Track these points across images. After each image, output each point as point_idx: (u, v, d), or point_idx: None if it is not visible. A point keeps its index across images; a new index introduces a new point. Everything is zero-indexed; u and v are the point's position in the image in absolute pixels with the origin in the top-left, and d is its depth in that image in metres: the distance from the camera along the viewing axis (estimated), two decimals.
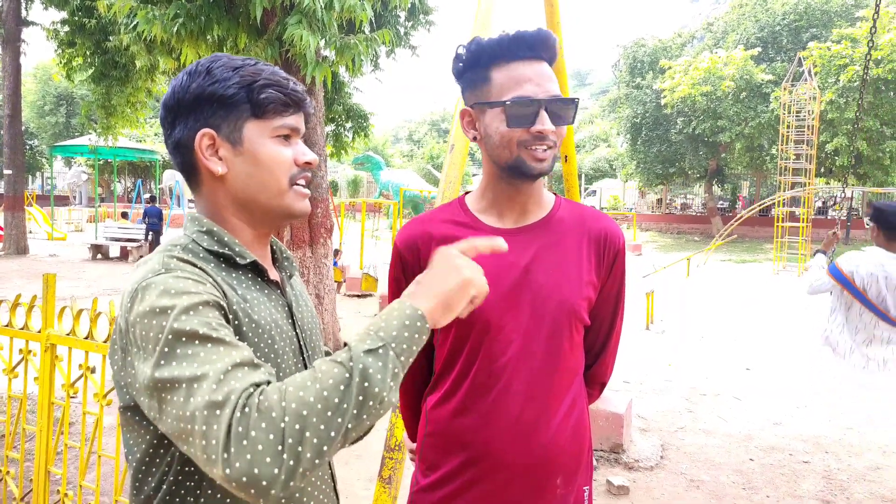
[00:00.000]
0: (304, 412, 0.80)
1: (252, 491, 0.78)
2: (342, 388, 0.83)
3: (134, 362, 0.93)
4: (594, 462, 4.27)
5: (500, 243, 1.08)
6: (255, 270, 1.13)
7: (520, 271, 1.37)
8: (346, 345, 0.91)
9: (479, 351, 1.36)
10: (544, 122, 1.28)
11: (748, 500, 3.92)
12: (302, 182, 1.14)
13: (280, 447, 0.78)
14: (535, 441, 1.35)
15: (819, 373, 6.97)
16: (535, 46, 1.30)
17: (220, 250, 1.08)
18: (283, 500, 1.07)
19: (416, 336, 0.92)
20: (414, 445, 1.59)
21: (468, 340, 1.37)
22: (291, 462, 0.78)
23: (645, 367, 7.16)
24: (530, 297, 1.36)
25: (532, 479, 1.36)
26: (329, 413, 0.81)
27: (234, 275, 1.08)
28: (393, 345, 0.89)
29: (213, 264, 1.06)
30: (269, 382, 0.86)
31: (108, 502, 3.06)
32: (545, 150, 1.31)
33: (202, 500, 1.02)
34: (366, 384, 0.84)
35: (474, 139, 1.40)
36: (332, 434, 0.81)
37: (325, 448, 0.81)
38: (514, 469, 1.35)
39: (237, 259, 1.09)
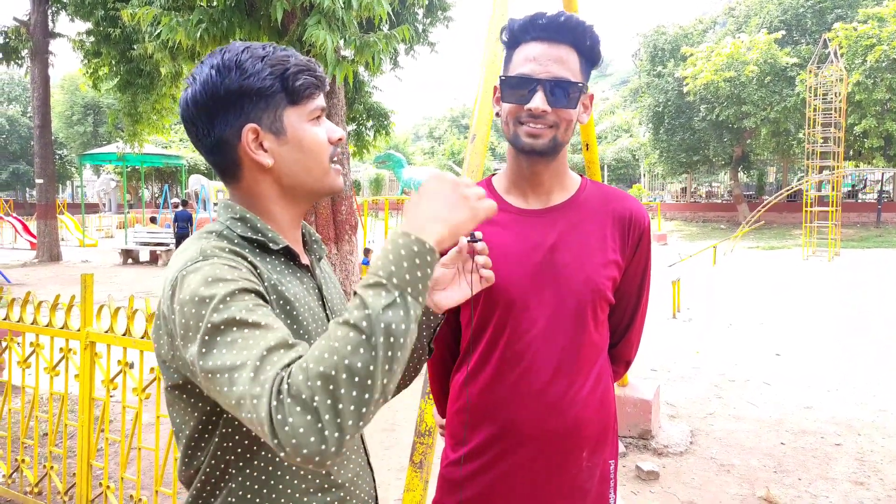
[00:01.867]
0: (331, 386, 0.81)
1: (310, 465, 0.83)
2: (362, 350, 0.83)
3: (181, 346, 0.98)
4: (623, 448, 4.29)
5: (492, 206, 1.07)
6: (288, 255, 1.16)
7: (545, 251, 1.41)
8: (356, 293, 0.90)
9: (505, 328, 1.40)
10: (537, 101, 1.32)
11: (779, 482, 3.90)
12: (335, 159, 1.19)
13: (319, 424, 0.81)
14: (562, 414, 1.39)
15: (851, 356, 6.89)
16: (549, 28, 1.34)
17: (254, 236, 1.12)
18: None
19: (428, 271, 0.92)
20: (444, 421, 1.64)
21: (493, 318, 1.41)
22: (336, 434, 0.82)
23: (672, 355, 7.13)
24: (555, 276, 1.40)
25: (559, 451, 1.40)
26: (357, 378, 0.82)
27: (267, 259, 1.12)
28: (409, 289, 0.89)
29: (247, 250, 1.10)
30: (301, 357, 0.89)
31: (148, 494, 3.16)
32: (542, 127, 1.35)
33: (248, 470, 1.07)
34: (391, 339, 0.85)
35: (497, 114, 1.46)
36: (367, 395, 0.83)
37: (365, 409, 0.84)
38: (541, 441, 1.39)
39: (270, 245, 1.12)
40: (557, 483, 1.41)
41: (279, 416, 0.81)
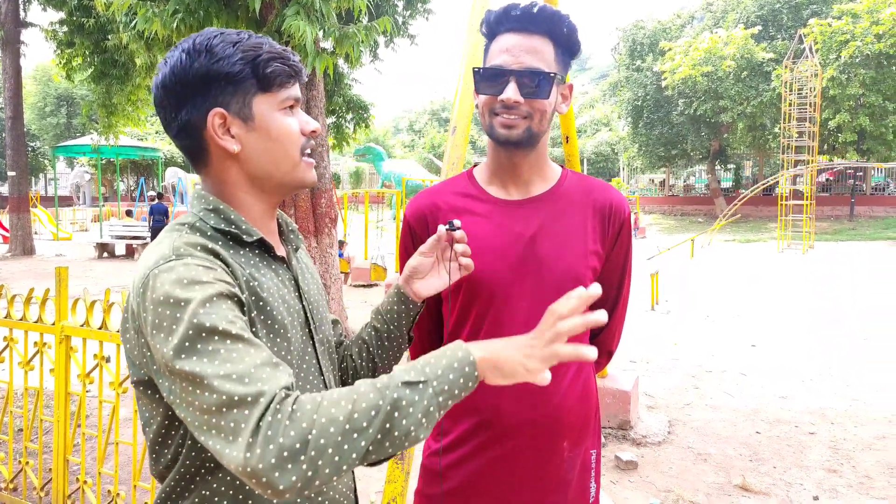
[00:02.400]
0: (332, 429, 0.82)
1: (267, 490, 0.81)
2: (373, 413, 0.84)
3: (149, 344, 0.95)
4: (602, 438, 4.33)
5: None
6: (262, 247, 1.14)
7: (525, 242, 1.41)
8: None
9: (486, 318, 1.41)
10: (509, 91, 1.33)
11: (755, 471, 3.97)
12: (308, 152, 1.16)
13: (303, 457, 0.81)
14: (543, 404, 1.40)
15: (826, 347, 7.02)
16: (521, 19, 1.35)
17: (227, 228, 1.09)
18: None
19: (462, 381, 0.92)
20: None
21: (474, 308, 1.42)
22: (309, 473, 0.82)
23: (651, 347, 7.20)
24: (535, 266, 1.40)
25: (540, 441, 1.41)
26: (355, 434, 0.83)
27: (241, 252, 1.09)
28: (434, 383, 0.90)
29: (220, 242, 1.07)
30: (292, 385, 0.89)
31: (126, 489, 3.13)
32: (514, 119, 1.36)
33: (219, 472, 1.05)
34: (395, 414, 0.85)
35: (476, 106, 1.47)
36: (354, 455, 0.84)
37: (344, 467, 0.84)
38: (523, 431, 1.40)
39: (244, 237, 1.09)
40: (539, 473, 1.42)
41: (269, 432, 0.81)
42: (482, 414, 1.41)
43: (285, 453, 0.80)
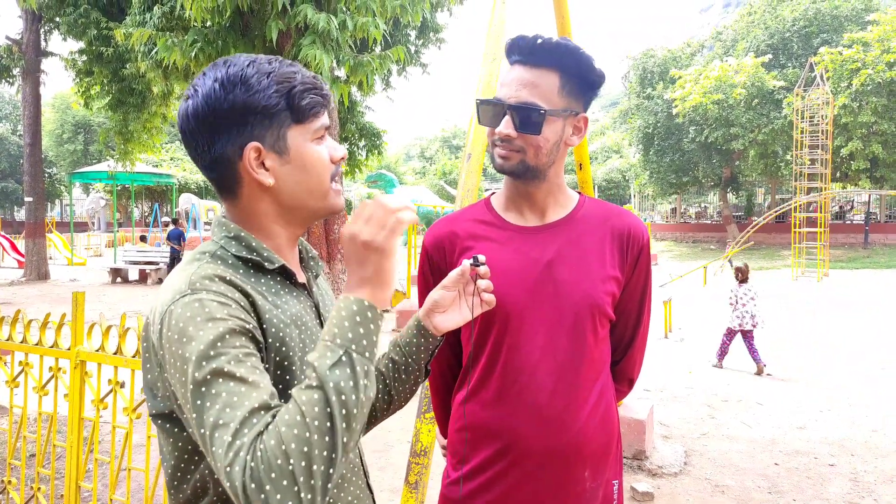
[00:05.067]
0: (305, 448, 0.82)
1: None
2: (327, 410, 0.85)
3: (171, 381, 0.96)
4: None
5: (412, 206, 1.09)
6: (283, 274, 1.13)
7: (542, 267, 1.40)
8: (306, 362, 0.93)
9: (503, 345, 1.40)
10: (502, 125, 1.36)
11: (774, 503, 3.89)
12: (336, 178, 1.16)
13: (296, 488, 0.81)
14: (563, 432, 1.38)
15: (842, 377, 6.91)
16: (524, 51, 1.36)
17: (249, 256, 1.08)
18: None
19: (372, 326, 0.94)
20: (445, 441, 1.62)
21: (492, 335, 1.41)
22: (310, 495, 0.82)
23: (665, 375, 7.12)
24: (553, 291, 1.39)
25: (560, 470, 1.39)
26: (326, 438, 0.84)
27: (262, 280, 1.09)
28: (353, 346, 0.91)
29: (241, 270, 1.07)
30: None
31: None
32: (508, 151, 1.38)
33: None
34: (343, 397, 0.86)
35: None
36: (334, 455, 0.85)
37: (332, 469, 0.85)
38: (542, 459, 1.38)
39: (265, 264, 1.09)
40: (560, 502, 1.40)
41: (253, 485, 0.81)
42: (502, 442, 1.39)
43: (278, 496, 0.80)
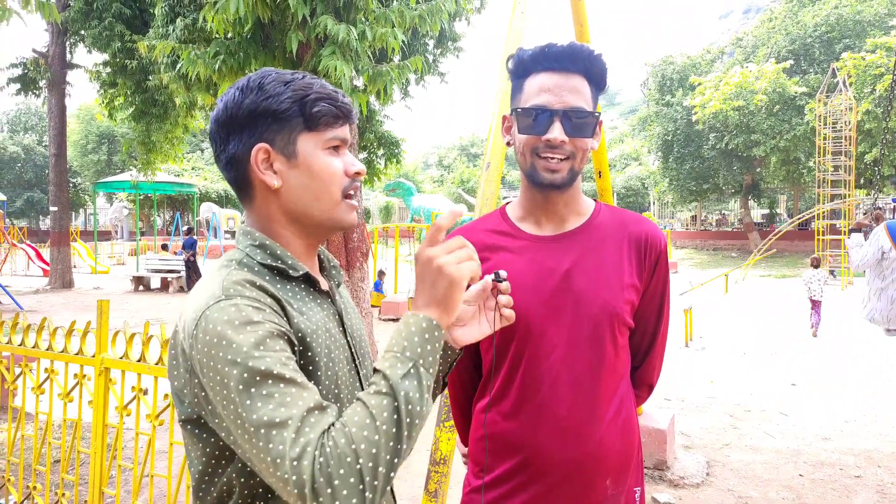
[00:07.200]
0: (374, 450, 0.87)
1: None
2: (395, 417, 0.90)
3: (203, 384, 0.97)
4: None
5: (457, 209, 1.10)
6: (308, 282, 1.15)
7: (560, 277, 1.40)
8: (376, 370, 0.96)
9: (524, 356, 1.40)
10: (555, 131, 1.34)
11: None
12: (352, 193, 1.17)
13: (361, 486, 0.85)
14: (584, 442, 1.38)
15: (867, 384, 6.79)
16: (562, 58, 1.36)
17: (274, 263, 1.10)
18: None
19: (437, 344, 0.99)
20: (466, 449, 1.62)
21: (511, 345, 1.40)
22: (371, 494, 0.87)
23: (686, 384, 7.05)
24: (572, 301, 1.39)
25: (581, 481, 1.38)
26: (391, 443, 0.89)
27: (287, 287, 1.10)
28: (421, 361, 0.96)
29: (267, 277, 1.09)
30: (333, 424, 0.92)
31: None
32: (558, 161, 1.36)
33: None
34: (409, 407, 0.92)
35: (508, 144, 1.49)
36: (396, 460, 0.90)
37: (392, 473, 0.89)
38: (564, 470, 1.37)
39: (290, 271, 1.11)
40: None
41: (321, 479, 0.84)
42: (524, 452, 1.39)
43: (345, 492, 0.84)
